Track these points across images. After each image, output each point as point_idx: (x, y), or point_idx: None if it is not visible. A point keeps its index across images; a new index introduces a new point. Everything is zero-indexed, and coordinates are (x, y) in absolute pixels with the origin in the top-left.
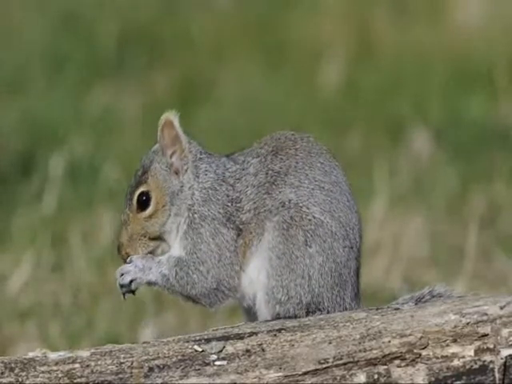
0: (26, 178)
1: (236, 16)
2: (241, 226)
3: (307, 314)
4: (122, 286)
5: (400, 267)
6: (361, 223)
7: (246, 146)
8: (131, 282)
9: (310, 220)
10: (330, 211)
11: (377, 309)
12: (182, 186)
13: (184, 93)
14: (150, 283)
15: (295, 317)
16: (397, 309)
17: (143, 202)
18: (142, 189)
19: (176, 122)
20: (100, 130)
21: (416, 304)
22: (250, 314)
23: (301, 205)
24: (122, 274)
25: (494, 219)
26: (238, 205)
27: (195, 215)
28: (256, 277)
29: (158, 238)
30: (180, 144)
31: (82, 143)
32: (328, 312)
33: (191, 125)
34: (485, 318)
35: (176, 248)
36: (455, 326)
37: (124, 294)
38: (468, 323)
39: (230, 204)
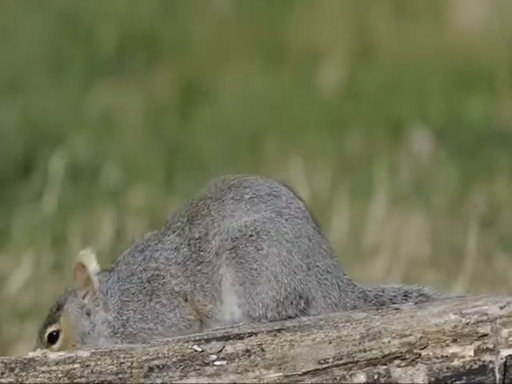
0: (26, 178)
1: (236, 17)
2: (175, 294)
3: (295, 308)
4: None
5: (400, 267)
6: (297, 201)
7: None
8: None
9: (245, 227)
10: (255, 211)
11: (377, 309)
12: (94, 326)
13: (184, 93)
14: None
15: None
16: (397, 309)
17: (53, 339)
18: (52, 327)
19: (88, 264)
20: (100, 130)
21: (404, 298)
22: None
23: (230, 232)
24: None
25: (494, 219)
26: (163, 280)
27: (120, 330)
28: (231, 319)
29: None
30: (92, 286)
31: (82, 143)
32: (311, 291)
33: (191, 125)
34: (485, 317)
35: None
36: (455, 326)
37: None
38: (468, 323)
39: (148, 284)
